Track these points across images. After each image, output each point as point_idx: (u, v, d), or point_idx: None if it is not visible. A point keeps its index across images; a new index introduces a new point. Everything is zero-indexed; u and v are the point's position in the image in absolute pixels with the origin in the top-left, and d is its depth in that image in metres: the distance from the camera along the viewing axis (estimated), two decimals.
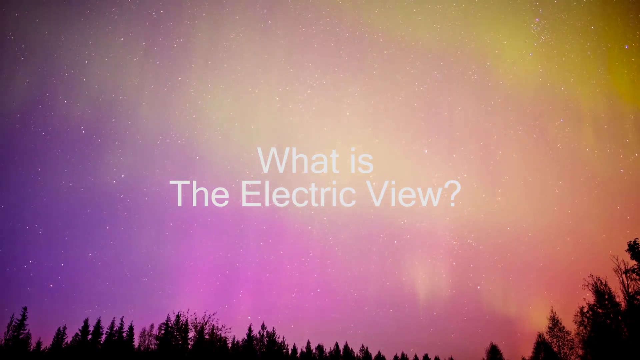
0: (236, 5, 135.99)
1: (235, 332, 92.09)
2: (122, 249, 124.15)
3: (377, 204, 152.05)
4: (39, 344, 63.21)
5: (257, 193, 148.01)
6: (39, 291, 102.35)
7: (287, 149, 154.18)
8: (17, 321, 57.80)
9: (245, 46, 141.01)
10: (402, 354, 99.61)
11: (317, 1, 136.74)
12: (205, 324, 59.35)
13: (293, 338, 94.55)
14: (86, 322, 64.05)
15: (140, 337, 73.67)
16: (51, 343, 63.15)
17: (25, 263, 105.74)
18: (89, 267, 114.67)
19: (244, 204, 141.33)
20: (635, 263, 39.07)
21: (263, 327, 75.23)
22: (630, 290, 39.72)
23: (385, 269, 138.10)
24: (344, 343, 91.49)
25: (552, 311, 56.14)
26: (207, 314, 59.38)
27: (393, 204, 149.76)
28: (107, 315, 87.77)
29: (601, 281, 43.32)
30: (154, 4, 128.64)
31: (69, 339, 64.34)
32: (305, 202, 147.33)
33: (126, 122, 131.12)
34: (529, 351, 65.67)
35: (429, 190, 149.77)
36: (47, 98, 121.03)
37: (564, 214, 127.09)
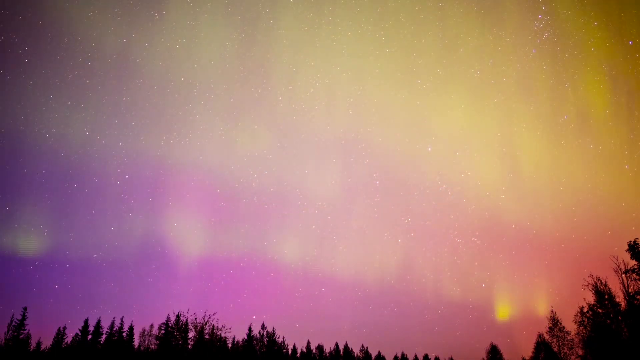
0: (238, 6, 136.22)
1: (238, 331, 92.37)
2: (126, 250, 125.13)
3: (381, 202, 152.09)
4: (39, 344, 63.83)
5: (260, 193, 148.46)
6: (44, 292, 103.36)
7: (290, 149, 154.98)
8: (17, 321, 58.31)
9: (247, 46, 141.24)
10: (402, 354, 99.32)
11: (319, 0, 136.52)
12: (205, 324, 59.31)
13: (298, 337, 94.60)
14: (86, 322, 64.48)
15: (140, 337, 74.19)
16: (51, 343, 63.67)
17: (31, 264, 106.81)
18: (94, 268, 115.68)
19: (247, 203, 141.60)
20: (635, 263, 38.75)
21: (263, 327, 75.33)
22: (630, 290, 39.35)
23: (389, 267, 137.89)
24: (344, 343, 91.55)
25: (552, 311, 55.88)
26: (207, 314, 59.34)
27: (396, 203, 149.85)
28: (112, 315, 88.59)
29: (601, 281, 43.01)
30: (156, 5, 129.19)
31: (69, 339, 64.96)
32: (309, 202, 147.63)
33: (129, 123, 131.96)
34: (529, 351, 65.44)
35: (433, 189, 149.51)
36: (51, 100, 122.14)
37: (568, 211, 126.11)
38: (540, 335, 62.27)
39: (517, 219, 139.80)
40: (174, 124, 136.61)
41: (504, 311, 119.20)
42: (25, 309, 59.63)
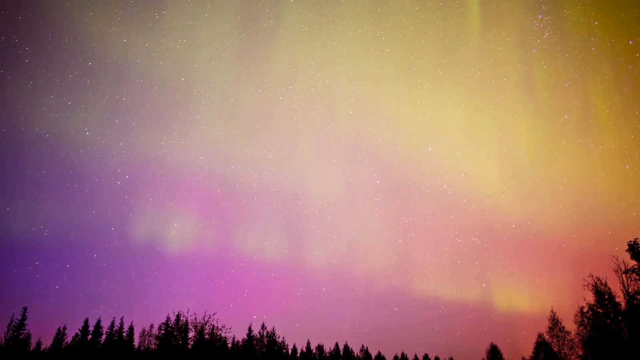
0: (238, 6, 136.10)
1: (238, 331, 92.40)
2: (127, 250, 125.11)
3: (381, 202, 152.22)
4: (39, 344, 63.82)
5: (261, 193, 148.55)
6: (45, 292, 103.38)
7: (290, 149, 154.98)
8: (17, 321, 58.34)
9: (247, 46, 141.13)
10: (403, 354, 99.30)
11: (319, 0, 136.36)
12: (205, 324, 59.36)
13: (298, 337, 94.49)
14: (86, 322, 64.49)
15: (140, 337, 74.17)
16: (51, 343, 63.68)
17: (32, 264, 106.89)
18: (95, 268, 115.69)
19: (248, 203, 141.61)
20: (635, 263, 38.76)
21: (263, 327, 75.36)
22: (630, 290, 39.37)
23: (390, 267, 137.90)
24: (344, 343, 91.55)
25: (552, 311, 55.92)
26: (207, 314, 59.38)
27: (397, 202, 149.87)
28: (112, 315, 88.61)
29: (601, 281, 43.00)
30: (156, 5, 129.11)
31: (69, 339, 64.97)
32: (309, 202, 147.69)
33: (130, 123, 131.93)
34: (529, 351, 65.49)
35: (433, 188, 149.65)
36: (51, 100, 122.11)
37: (569, 210, 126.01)
38: (540, 335, 62.37)
39: (517, 219, 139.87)
40: (174, 124, 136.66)
41: (504, 311, 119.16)
42: (25, 309, 59.70)
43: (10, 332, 57.51)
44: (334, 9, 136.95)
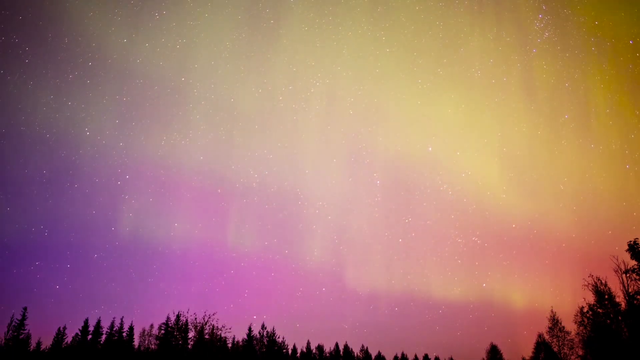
0: (238, 6, 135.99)
1: (238, 331, 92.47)
2: (127, 250, 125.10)
3: (381, 202, 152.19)
4: (38, 343, 63.83)
5: (261, 193, 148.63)
6: (45, 292, 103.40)
7: (290, 149, 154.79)
8: (17, 321, 58.34)
9: (247, 46, 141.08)
10: (402, 354, 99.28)
11: (320, 0, 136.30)
12: (205, 324, 59.44)
13: (298, 337, 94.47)
14: (86, 322, 64.50)
15: (140, 337, 74.12)
16: (51, 343, 63.65)
17: (32, 264, 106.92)
18: (95, 268, 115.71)
19: (248, 203, 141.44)
20: (635, 263, 38.78)
21: (263, 327, 75.36)
22: (630, 290, 39.39)
23: (390, 267, 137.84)
24: (345, 343, 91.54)
25: (552, 311, 55.86)
26: (207, 314, 59.42)
27: (397, 202, 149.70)
28: (112, 315, 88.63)
29: (601, 281, 42.99)
30: (157, 6, 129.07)
31: (69, 339, 64.96)
32: (309, 202, 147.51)
33: (130, 123, 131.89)
34: (529, 351, 65.48)
35: (433, 188, 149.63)
36: (52, 100, 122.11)
37: (569, 210, 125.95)
38: (540, 335, 62.33)
39: (518, 218, 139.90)
40: (174, 124, 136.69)
41: (504, 311, 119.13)
42: (25, 309, 59.71)
43: (10, 332, 57.54)
44: (334, 9, 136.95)
